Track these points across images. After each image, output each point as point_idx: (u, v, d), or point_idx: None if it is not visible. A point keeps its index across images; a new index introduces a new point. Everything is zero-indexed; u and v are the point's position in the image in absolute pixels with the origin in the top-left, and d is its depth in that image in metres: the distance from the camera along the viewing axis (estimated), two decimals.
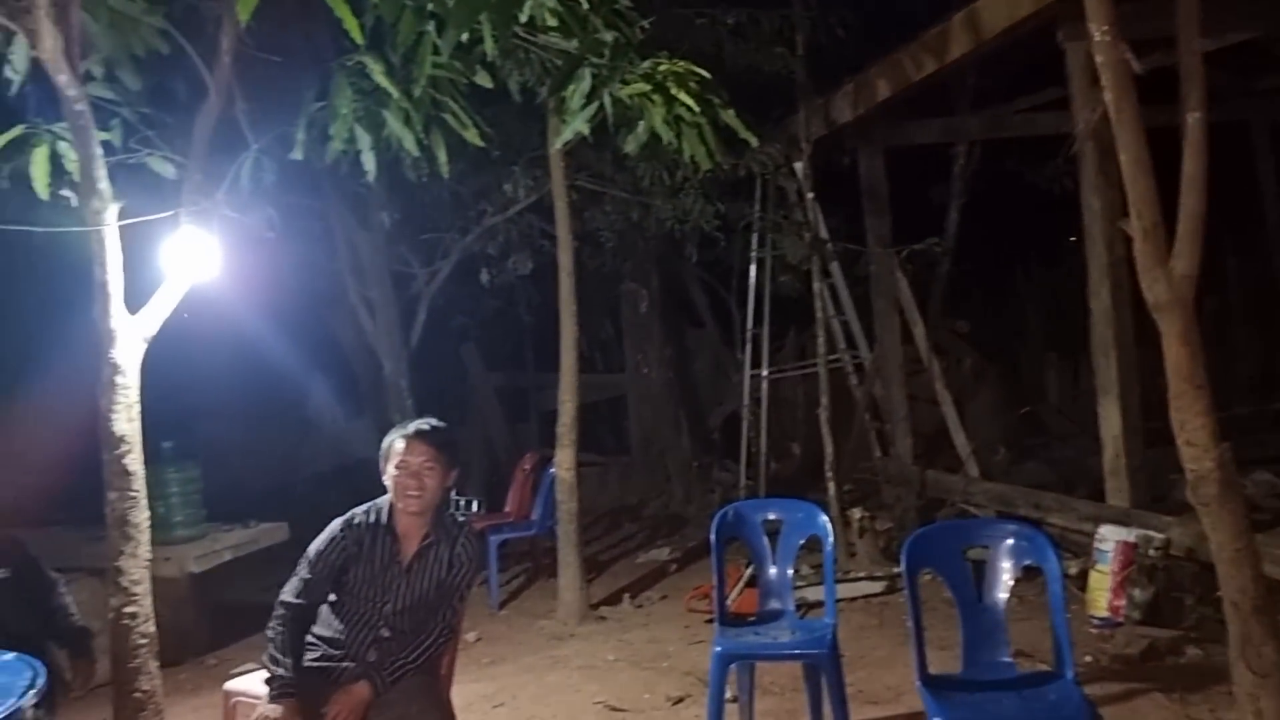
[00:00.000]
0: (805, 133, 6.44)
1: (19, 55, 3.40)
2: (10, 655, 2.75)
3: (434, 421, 3.12)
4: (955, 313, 8.84)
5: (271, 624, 2.94)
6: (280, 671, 2.84)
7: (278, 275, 6.27)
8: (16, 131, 3.67)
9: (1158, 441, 4.37)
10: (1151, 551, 4.63)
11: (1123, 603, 4.61)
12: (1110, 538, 4.71)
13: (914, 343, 7.55)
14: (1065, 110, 5.70)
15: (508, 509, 6.85)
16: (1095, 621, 4.71)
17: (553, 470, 6.09)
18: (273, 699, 2.79)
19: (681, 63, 3.66)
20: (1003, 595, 3.08)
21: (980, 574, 3.14)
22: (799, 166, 6.89)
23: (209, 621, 5.66)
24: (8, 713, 2.31)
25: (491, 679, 4.79)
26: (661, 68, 3.66)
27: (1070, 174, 5.86)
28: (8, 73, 3.45)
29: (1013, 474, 6.95)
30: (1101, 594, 4.68)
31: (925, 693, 2.86)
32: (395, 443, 3.04)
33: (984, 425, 7.82)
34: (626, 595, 6.12)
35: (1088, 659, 4.37)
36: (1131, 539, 4.65)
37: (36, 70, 3.51)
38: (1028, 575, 3.95)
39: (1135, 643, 4.37)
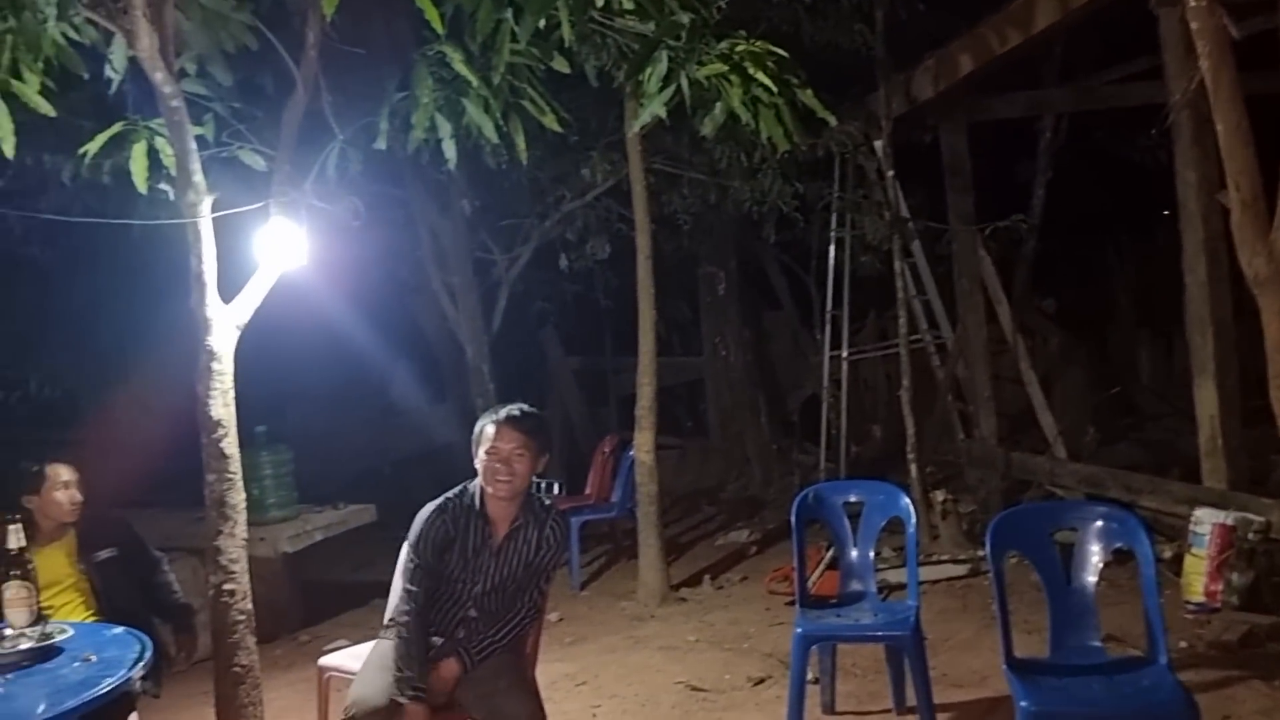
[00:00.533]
0: (885, 110, 6.34)
1: (118, 55, 3.52)
2: (119, 629, 2.88)
3: (524, 407, 3.12)
4: (1041, 291, 8.64)
5: (403, 618, 2.97)
6: (410, 674, 2.86)
7: (362, 263, 6.40)
8: (117, 128, 3.81)
9: (1256, 421, 4.24)
10: (1250, 535, 4.49)
11: (1220, 587, 4.48)
12: (1207, 521, 4.57)
13: (998, 322, 7.41)
14: (1158, 80, 5.50)
15: (588, 491, 6.92)
16: (1190, 607, 4.59)
17: (632, 453, 6.14)
18: (404, 701, 2.84)
19: (759, 43, 3.62)
20: (1092, 578, 3.02)
21: (1068, 557, 3.09)
22: (878, 145, 6.79)
23: (301, 600, 5.84)
24: (119, 683, 2.43)
25: (574, 658, 4.85)
26: (739, 48, 3.63)
27: (1164, 146, 5.67)
28: (108, 72, 3.58)
29: (1102, 456, 6.79)
30: (1197, 578, 4.56)
31: (1011, 676, 2.82)
32: (486, 428, 3.06)
33: (1072, 406, 7.65)
34: (706, 577, 6.14)
35: (1182, 645, 4.26)
36: (1229, 522, 4.51)
37: (134, 69, 3.66)
38: (1119, 559, 3.88)
39: (1233, 628, 4.25)
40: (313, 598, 5.95)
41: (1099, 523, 3.03)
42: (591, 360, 10.74)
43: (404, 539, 3.15)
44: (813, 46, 6.01)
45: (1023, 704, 2.67)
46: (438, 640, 3.06)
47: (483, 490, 3.07)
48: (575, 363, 10.58)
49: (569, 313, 9.62)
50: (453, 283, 7.26)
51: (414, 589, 2.98)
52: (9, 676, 2.48)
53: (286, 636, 5.51)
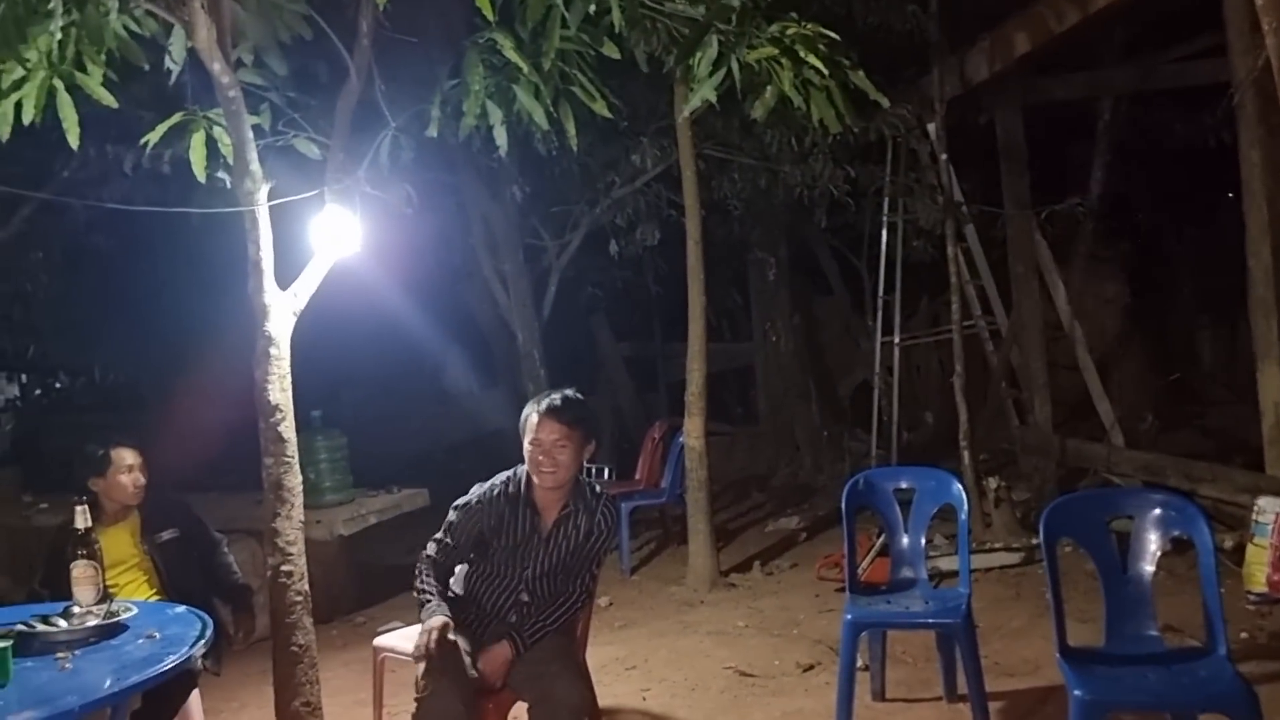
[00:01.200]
0: (939, 93, 6.25)
1: (177, 46, 3.59)
2: (181, 608, 2.95)
3: (569, 394, 3.11)
4: (1098, 276, 8.47)
5: (416, 576, 3.09)
6: (429, 597, 2.97)
7: (414, 250, 6.46)
8: (176, 118, 3.89)
9: None
10: None
11: None
12: (1270, 509, 4.48)
13: (1054, 307, 7.28)
14: (1222, 58, 5.36)
15: (637, 477, 6.94)
16: (1252, 597, 4.50)
17: (682, 439, 6.14)
18: (429, 615, 2.90)
19: (810, 25, 3.59)
20: (1149, 567, 2.96)
21: (1124, 546, 3.04)
22: (931, 127, 6.71)
23: (356, 582, 5.94)
24: (181, 660, 2.49)
25: (624, 642, 4.88)
26: (790, 31, 3.60)
27: (1227, 126, 5.53)
28: (167, 63, 3.64)
29: (1162, 443, 6.66)
30: (1260, 568, 4.47)
31: (1064, 665, 2.79)
32: (531, 417, 3.07)
33: (1129, 393, 7.51)
34: (756, 563, 6.14)
35: (1243, 635, 4.18)
36: None
37: (192, 60, 3.72)
38: (1178, 549, 3.80)
39: None
40: (367, 580, 6.04)
41: (1157, 510, 2.97)
42: (641, 346, 10.76)
43: None
44: (865, 28, 5.94)
45: (1076, 693, 2.63)
46: (489, 624, 3.10)
47: (530, 477, 3.09)
48: (625, 349, 10.60)
49: (618, 299, 9.64)
50: (504, 269, 7.31)
51: (430, 554, 3.09)
52: (77, 652, 2.55)
53: (342, 618, 5.60)
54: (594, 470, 6.32)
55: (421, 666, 2.80)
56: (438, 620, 2.86)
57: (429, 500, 5.99)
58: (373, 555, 6.40)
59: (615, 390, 10.16)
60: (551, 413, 3.03)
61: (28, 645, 2.52)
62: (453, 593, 3.15)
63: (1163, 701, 2.75)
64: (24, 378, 14.82)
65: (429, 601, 2.98)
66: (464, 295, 8.98)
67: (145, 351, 9.89)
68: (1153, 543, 2.95)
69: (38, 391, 14.86)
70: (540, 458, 3.02)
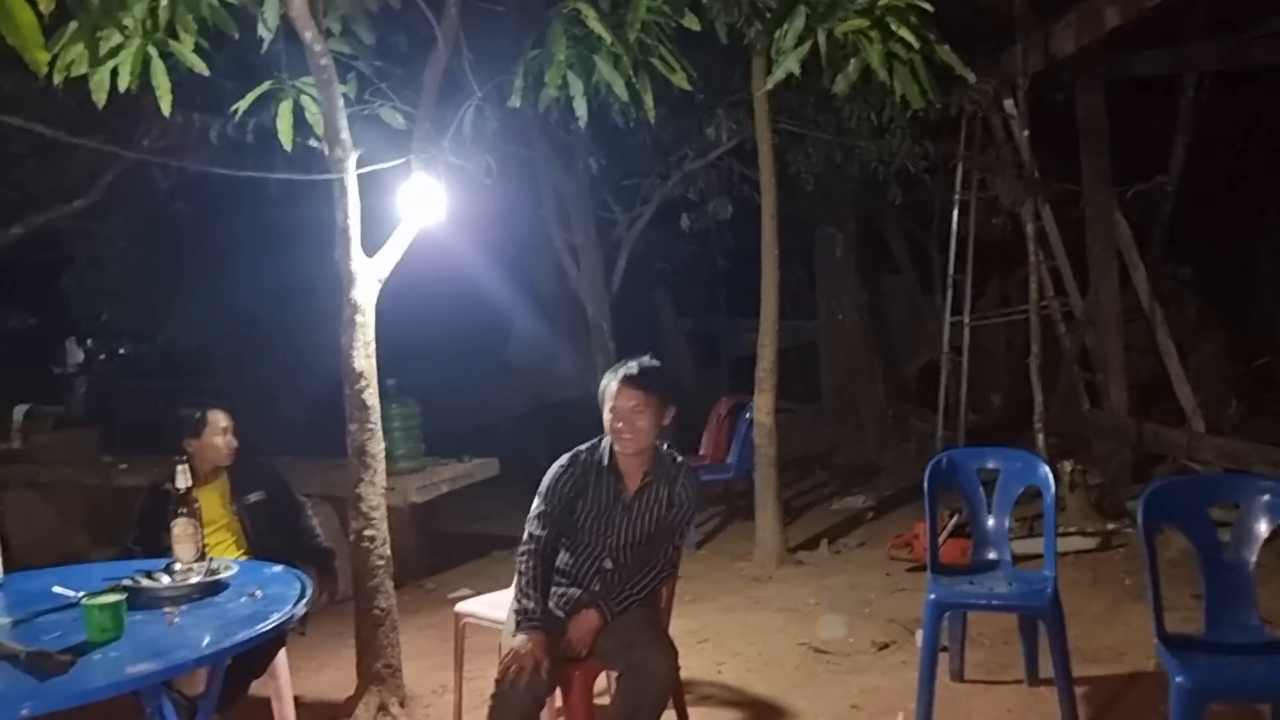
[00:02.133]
0: (1022, 67, 6.12)
1: (270, 14, 3.61)
2: (279, 568, 3.00)
3: (645, 362, 3.13)
4: (1179, 257, 8.26)
5: (521, 557, 3.04)
6: (530, 605, 2.91)
7: (485, 221, 6.48)
8: (265, 86, 3.93)
9: None
10: None
11: None
12: None
13: (1131, 289, 7.12)
14: None
15: (703, 452, 6.94)
16: None
17: (749, 415, 6.12)
18: (521, 630, 2.87)
19: None
20: (1252, 555, 2.90)
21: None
22: (1009, 103, 6.57)
23: (426, 548, 6.01)
24: (284, 619, 2.54)
25: (694, 616, 4.89)
26: (881, 2, 3.53)
27: None
28: (260, 31, 3.67)
29: (1244, 430, 6.49)
30: None
31: (1164, 651, 2.73)
32: (610, 385, 3.09)
33: (1208, 378, 7.32)
34: (824, 541, 6.12)
35: None
36: None
37: (281, 29, 3.75)
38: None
39: None
40: (437, 547, 6.12)
41: (1265, 497, 2.90)
42: (704, 322, 10.73)
43: (521, 493, 3.20)
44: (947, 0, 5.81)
45: (1178, 679, 2.58)
46: (574, 591, 3.12)
47: (612, 446, 3.10)
48: (687, 324, 10.58)
49: (682, 274, 9.61)
50: (575, 242, 7.32)
51: (536, 532, 3.06)
52: (183, 608, 2.61)
53: (413, 584, 5.67)
54: (661, 448, 6.31)
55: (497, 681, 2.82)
56: (533, 648, 2.80)
57: (499, 470, 6.04)
58: (441, 523, 6.49)
59: (676, 365, 10.14)
60: (628, 380, 3.06)
61: (134, 599, 2.58)
62: (558, 571, 3.15)
63: (1267, 692, 2.69)
64: (89, 342, 15.20)
65: (527, 604, 2.92)
66: (531, 267, 9.02)
67: (217, 319, 10.07)
68: (1260, 530, 2.88)
69: (102, 356, 15.23)
70: (619, 424, 3.05)
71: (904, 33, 3.49)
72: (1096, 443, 6.88)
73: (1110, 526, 5.63)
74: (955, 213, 7.41)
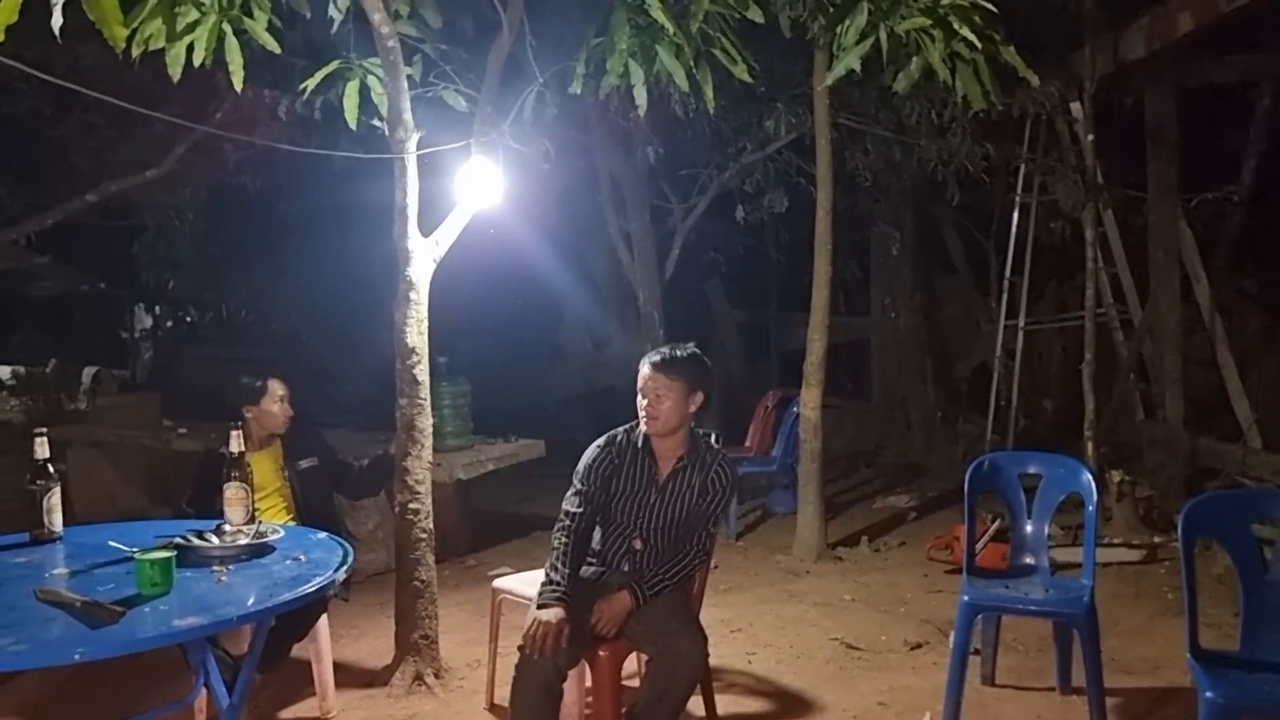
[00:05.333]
0: (1089, 70, 6.02)
1: None
2: (323, 535, 3.09)
3: (675, 348, 3.19)
4: (1245, 270, 8.08)
5: (555, 533, 3.11)
6: (556, 579, 2.98)
7: (541, 206, 6.55)
8: (334, 66, 4.02)
9: None
10: None
11: None
12: None
13: (1192, 300, 6.99)
14: None
15: (748, 444, 6.96)
16: None
17: (795, 409, 6.13)
18: (545, 604, 2.92)
19: None
20: None
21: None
22: (1075, 106, 6.47)
23: (469, 525, 6.11)
24: (326, 582, 2.62)
25: (729, 605, 4.93)
26: (944, 1, 3.52)
27: None
28: (330, 11, 3.76)
29: None
30: None
31: (1196, 666, 2.72)
32: (641, 368, 3.19)
33: (1270, 393, 7.16)
34: (864, 538, 6.11)
35: None
36: None
37: (350, 9, 3.83)
38: None
39: None
40: (479, 525, 6.22)
41: None
42: (755, 314, 10.72)
43: (565, 476, 3.27)
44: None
45: (1208, 695, 2.57)
46: (602, 570, 3.17)
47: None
48: (739, 315, 10.58)
49: (735, 265, 9.61)
50: (630, 229, 7.36)
51: (571, 509, 3.13)
52: (230, 568, 2.71)
53: (454, 559, 5.77)
54: (700, 433, 6.35)
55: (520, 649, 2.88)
56: (555, 618, 2.86)
57: (544, 451, 6.11)
58: (484, 501, 6.59)
59: (726, 356, 10.16)
60: (652, 365, 3.15)
61: (184, 557, 2.69)
62: (592, 551, 3.21)
63: None
64: (157, 309, 15.64)
65: (554, 577, 2.99)
66: (584, 253, 9.08)
67: (277, 291, 10.28)
68: None
69: (169, 324, 15.66)
70: (643, 403, 3.13)
71: (966, 32, 3.47)
72: (1148, 454, 6.78)
73: (1157, 539, 5.56)
74: (1015, 215, 7.32)
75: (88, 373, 10.46)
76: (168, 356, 13.68)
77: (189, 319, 15.40)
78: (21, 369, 10.78)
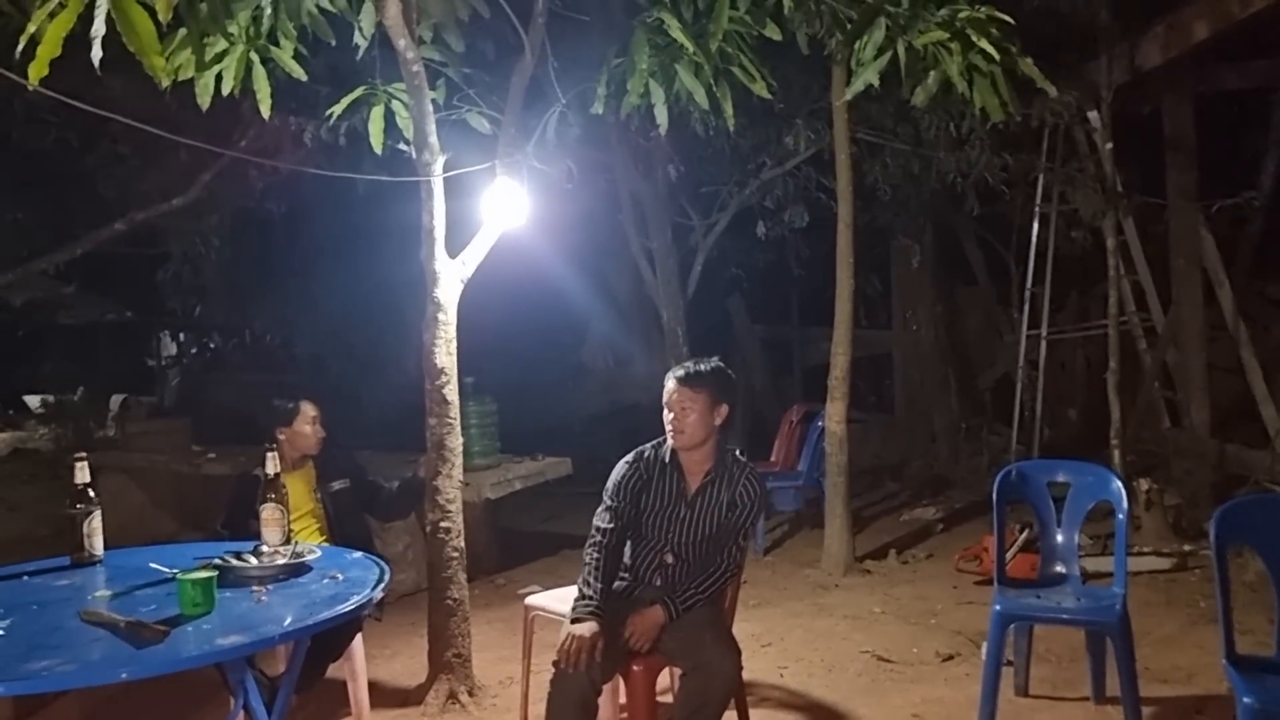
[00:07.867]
0: (1106, 79, 6.04)
1: (367, 22, 3.77)
2: (358, 554, 3.13)
3: (697, 364, 3.21)
4: (1267, 275, 8.04)
5: (587, 549, 3.13)
6: (589, 593, 3.00)
7: (562, 225, 6.61)
8: (359, 92, 4.10)
9: None
10: None
11: None
12: None
13: (1215, 306, 6.95)
14: None
15: (773, 459, 6.97)
16: None
17: (820, 423, 6.14)
18: (579, 618, 2.94)
19: (982, 8, 3.53)
20: None
21: None
22: (1093, 115, 6.48)
23: (497, 544, 6.14)
24: (363, 601, 2.66)
25: (759, 620, 4.93)
26: (961, 14, 3.55)
27: None
28: (356, 38, 3.84)
29: None
30: None
31: (1233, 672, 2.71)
32: (666, 382, 3.21)
33: None
34: (892, 551, 6.10)
35: None
36: None
37: (375, 35, 3.90)
38: None
39: None
40: (507, 543, 6.25)
41: None
42: (777, 329, 10.74)
43: (592, 494, 3.29)
44: (1029, 11, 5.77)
45: (1245, 700, 2.56)
46: (633, 585, 3.19)
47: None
48: (761, 331, 10.60)
49: (757, 281, 9.64)
50: (651, 247, 7.41)
51: (603, 525, 3.14)
52: (269, 588, 2.75)
53: (483, 578, 5.80)
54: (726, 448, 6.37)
55: (554, 664, 2.90)
56: (589, 631, 2.88)
57: (571, 469, 6.14)
58: (512, 520, 6.62)
59: (749, 372, 10.17)
60: (676, 379, 3.18)
61: (224, 578, 2.72)
62: (624, 566, 3.23)
63: None
64: (182, 336, 15.80)
65: (587, 592, 3.01)
66: (607, 271, 9.13)
67: (301, 316, 10.38)
68: None
69: (193, 350, 15.81)
70: (669, 416, 3.15)
71: (984, 45, 3.50)
72: (1175, 462, 6.74)
73: (1187, 548, 5.52)
74: (1035, 225, 7.32)
75: (116, 400, 10.57)
76: (195, 383, 13.81)
77: (213, 345, 15.55)
78: (51, 397, 10.91)
